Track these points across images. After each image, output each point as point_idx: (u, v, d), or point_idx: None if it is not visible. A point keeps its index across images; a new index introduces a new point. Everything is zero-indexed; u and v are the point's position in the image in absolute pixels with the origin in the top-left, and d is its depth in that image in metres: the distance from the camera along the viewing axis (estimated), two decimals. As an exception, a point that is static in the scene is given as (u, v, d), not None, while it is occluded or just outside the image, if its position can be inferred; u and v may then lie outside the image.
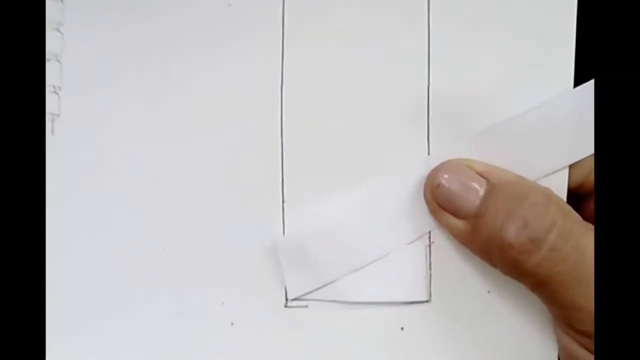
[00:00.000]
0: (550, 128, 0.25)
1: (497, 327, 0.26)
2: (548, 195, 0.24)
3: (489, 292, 0.26)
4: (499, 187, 0.24)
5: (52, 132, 0.28)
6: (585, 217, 0.24)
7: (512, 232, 0.23)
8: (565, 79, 0.25)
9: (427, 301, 0.26)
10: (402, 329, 0.27)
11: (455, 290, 0.26)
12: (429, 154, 0.26)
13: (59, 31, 0.28)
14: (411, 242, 0.26)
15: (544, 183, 0.25)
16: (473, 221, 0.24)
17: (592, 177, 0.25)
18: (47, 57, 0.28)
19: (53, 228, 0.28)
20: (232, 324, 0.27)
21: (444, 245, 0.26)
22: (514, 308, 0.26)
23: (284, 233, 0.27)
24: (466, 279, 0.26)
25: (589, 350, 0.23)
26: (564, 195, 0.25)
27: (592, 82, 0.24)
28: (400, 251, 0.26)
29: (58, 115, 0.28)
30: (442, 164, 0.25)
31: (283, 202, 0.27)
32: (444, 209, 0.25)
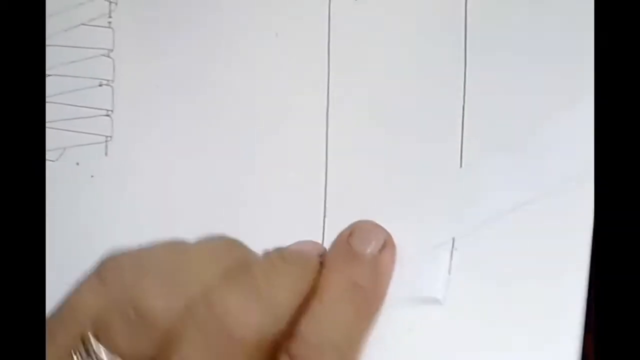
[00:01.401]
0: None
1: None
2: None
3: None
4: None
5: (106, 153, 0.30)
6: None
7: None
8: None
9: (439, 303, 0.26)
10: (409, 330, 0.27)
11: (470, 295, 0.26)
12: (461, 166, 0.28)
13: (110, 57, 0.30)
14: (436, 246, 0.27)
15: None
16: None
17: None
18: (99, 82, 0.30)
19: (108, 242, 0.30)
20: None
21: (467, 253, 0.27)
22: (530, 315, 0.26)
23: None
24: (483, 285, 0.27)
25: None
26: (591, 198, 0.26)
27: None
28: (424, 253, 0.27)
29: (111, 137, 0.30)
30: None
31: (325, 216, 0.28)
32: None
